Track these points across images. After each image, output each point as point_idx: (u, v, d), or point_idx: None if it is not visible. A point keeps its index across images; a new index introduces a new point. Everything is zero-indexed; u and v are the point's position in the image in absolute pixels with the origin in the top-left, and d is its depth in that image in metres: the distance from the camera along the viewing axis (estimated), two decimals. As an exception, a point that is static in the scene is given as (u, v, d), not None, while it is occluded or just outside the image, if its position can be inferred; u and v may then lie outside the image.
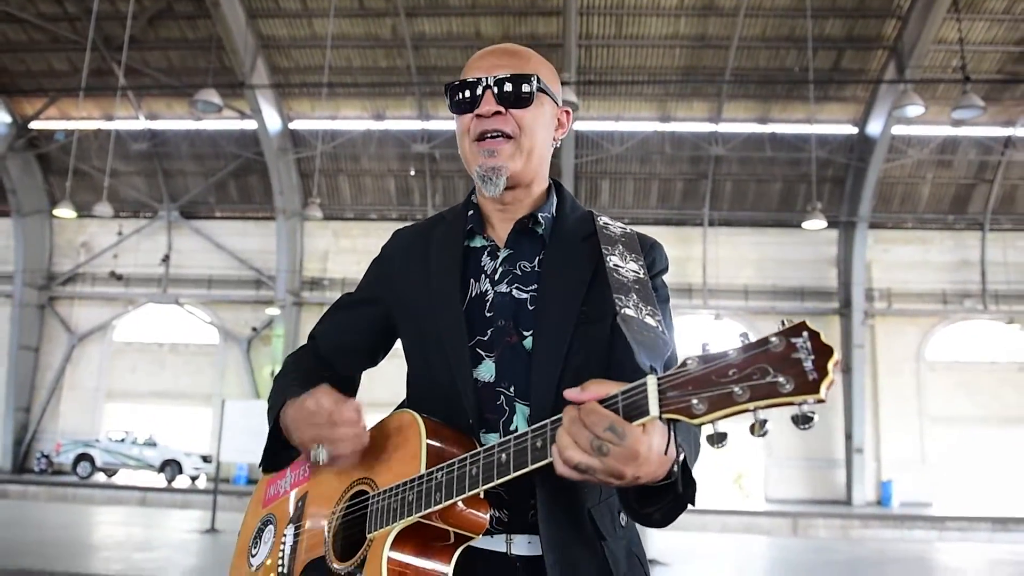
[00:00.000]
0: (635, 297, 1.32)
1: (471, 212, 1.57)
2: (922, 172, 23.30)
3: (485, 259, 1.53)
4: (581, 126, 21.95)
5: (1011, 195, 23.62)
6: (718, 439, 0.97)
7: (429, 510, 1.25)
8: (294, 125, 23.43)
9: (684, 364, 1.00)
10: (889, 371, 23.12)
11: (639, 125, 22.93)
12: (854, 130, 22.51)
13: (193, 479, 22.01)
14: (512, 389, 1.42)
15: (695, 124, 22.89)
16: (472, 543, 1.33)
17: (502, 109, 1.47)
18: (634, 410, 1.03)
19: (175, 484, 21.44)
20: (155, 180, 24.71)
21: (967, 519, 18.08)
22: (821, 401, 0.89)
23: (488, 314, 1.47)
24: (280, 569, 1.48)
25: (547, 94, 1.53)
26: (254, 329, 24.21)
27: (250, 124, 22.50)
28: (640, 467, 1.06)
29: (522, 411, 1.41)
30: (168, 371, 24.74)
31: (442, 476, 1.25)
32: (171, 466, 21.83)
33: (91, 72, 19.54)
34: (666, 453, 1.09)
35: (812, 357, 0.90)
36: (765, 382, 0.92)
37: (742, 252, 23.62)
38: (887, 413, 22.86)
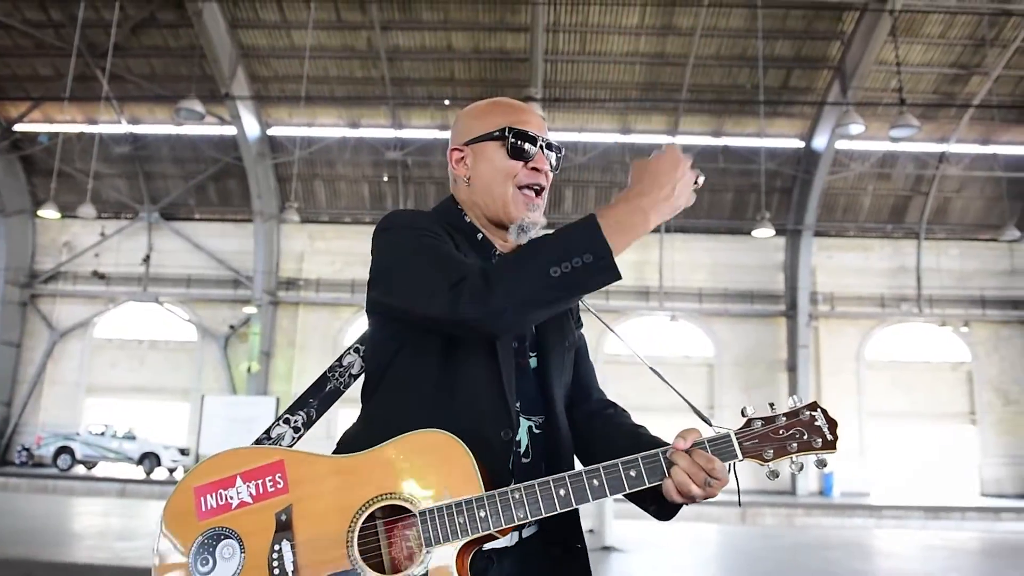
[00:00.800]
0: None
1: (480, 236, 1.56)
2: (863, 184, 23.73)
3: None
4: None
5: (944, 207, 24.15)
6: (773, 475, 1.37)
7: (510, 525, 1.30)
8: (272, 131, 23.22)
9: (750, 423, 1.36)
10: (831, 369, 23.50)
11: (601, 136, 23.09)
12: (801, 144, 22.85)
13: (171, 471, 21.68)
14: (519, 405, 1.44)
15: (653, 136, 23.09)
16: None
17: (549, 168, 1.62)
18: (723, 455, 1.34)
19: (153, 476, 21.13)
20: (136, 182, 24.35)
21: (902, 508, 18.43)
22: (835, 452, 1.36)
23: None
24: None
25: None
26: (231, 327, 23.93)
27: (229, 130, 22.28)
28: (723, 478, 1.35)
29: (525, 425, 1.44)
30: (147, 367, 24.38)
31: (520, 496, 1.29)
32: (149, 459, 21.48)
33: (75, 77, 19.19)
34: None
35: (828, 426, 1.37)
36: (805, 440, 1.36)
37: (696, 257, 23.86)
38: (829, 408, 22.70)
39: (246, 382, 22.40)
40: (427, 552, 1.30)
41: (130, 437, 21.90)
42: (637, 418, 1.62)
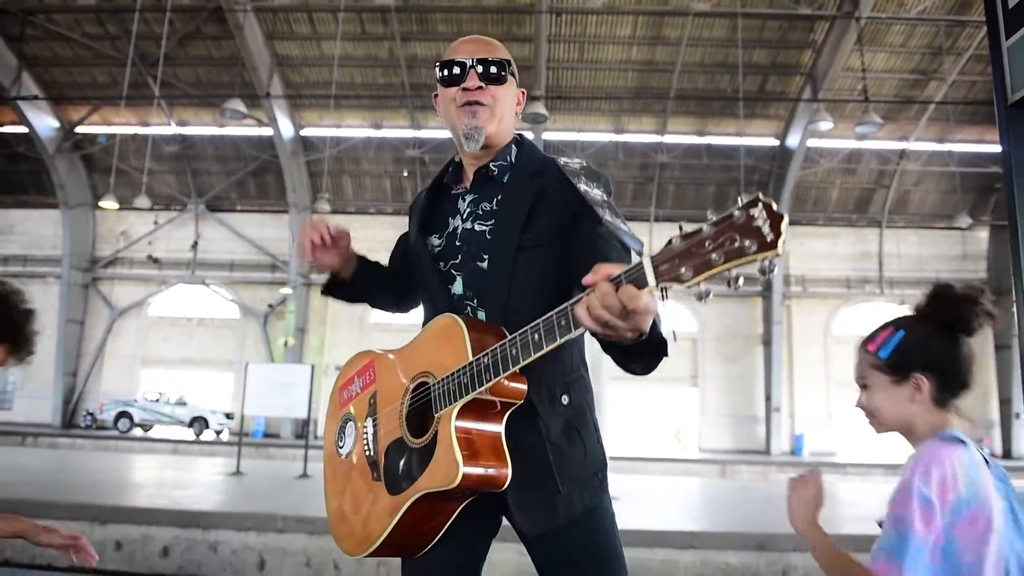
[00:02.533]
0: (607, 210, 1.37)
1: (451, 168, 1.73)
2: (832, 179, 23.68)
3: (460, 202, 1.67)
4: (548, 136, 22.01)
5: (904, 198, 24.09)
6: (704, 295, 1.09)
7: (482, 388, 1.34)
8: (304, 132, 23.25)
9: (669, 243, 1.10)
10: (802, 343, 23.57)
11: (597, 136, 23.06)
12: (776, 142, 22.80)
13: (217, 433, 21.94)
14: (475, 301, 1.58)
15: (644, 136, 23.06)
16: None
17: (483, 84, 1.60)
18: (637, 282, 1.12)
19: (202, 437, 21.38)
20: (185, 178, 24.44)
21: (865, 465, 18.56)
22: (778, 256, 0.99)
23: (458, 244, 1.62)
24: (367, 452, 1.58)
25: (514, 77, 1.69)
26: (270, 306, 24.09)
27: (267, 131, 22.31)
28: (649, 308, 1.15)
29: (481, 317, 1.55)
30: (196, 341, 24.58)
31: (488, 359, 1.33)
32: (199, 422, 21.74)
33: (129, 84, 19.26)
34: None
35: (769, 222, 0.99)
36: (735, 247, 1.02)
37: (682, 244, 23.86)
38: (800, 378, 23.31)
39: (283, 355, 22.58)
40: (437, 417, 1.42)
41: (181, 403, 22.15)
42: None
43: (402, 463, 1.47)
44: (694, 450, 22.75)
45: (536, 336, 1.26)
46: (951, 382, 1.40)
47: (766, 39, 20.07)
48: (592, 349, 1.56)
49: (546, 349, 1.25)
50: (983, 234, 24.00)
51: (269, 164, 23.43)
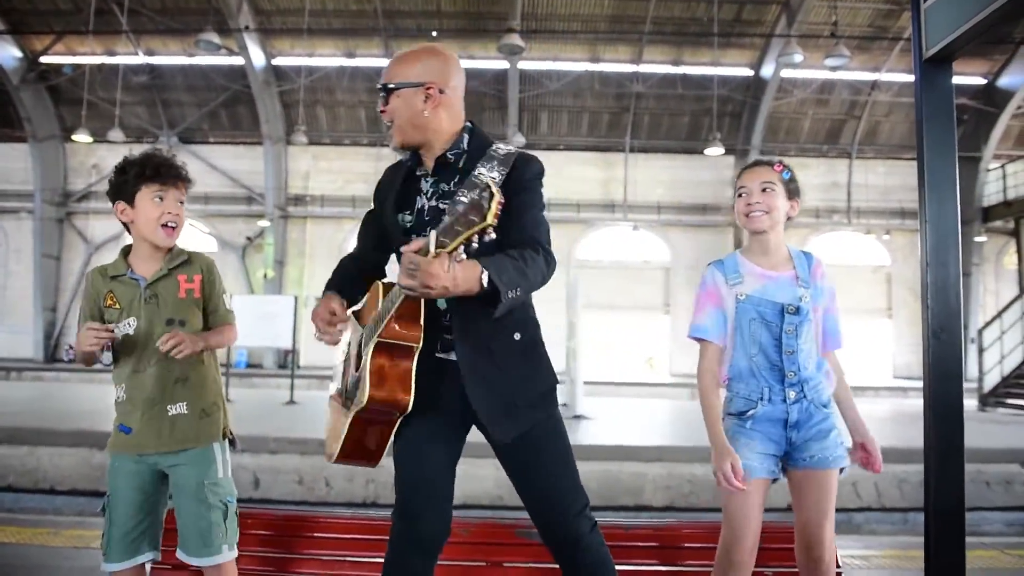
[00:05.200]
0: (472, 193, 1.60)
1: (412, 156, 2.02)
2: (804, 109, 23.83)
3: (423, 183, 1.99)
4: (524, 65, 21.79)
5: (874, 129, 24.37)
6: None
7: (378, 333, 1.79)
8: (276, 61, 22.77)
9: (443, 220, 1.51)
10: (771, 272, 24.07)
11: (573, 65, 22.86)
12: (750, 73, 22.80)
13: (201, 364, 22.18)
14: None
15: (620, 65, 22.91)
16: (438, 355, 1.90)
17: (384, 108, 1.96)
18: (425, 251, 1.53)
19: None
20: (155, 109, 23.94)
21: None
22: (490, 224, 1.45)
23: (427, 219, 1.93)
24: (342, 389, 2.10)
25: (403, 88, 1.94)
26: (248, 239, 24.07)
27: (238, 60, 21.82)
28: (441, 281, 1.56)
29: None
30: (174, 275, 24.53)
31: (377, 314, 1.85)
32: (181, 353, 21.95)
33: (95, 12, 18.66)
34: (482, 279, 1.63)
35: (491, 201, 1.45)
36: (472, 220, 1.45)
37: (656, 174, 24.07)
38: None
39: (262, 287, 22.72)
40: (364, 355, 1.84)
41: (163, 335, 22.28)
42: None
43: (350, 391, 1.96)
44: (665, 375, 23.54)
45: (392, 296, 1.80)
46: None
47: (742, -34, 19.85)
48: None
49: (392, 310, 1.76)
50: (948, 164, 24.38)
51: (241, 95, 23.00)
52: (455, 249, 1.48)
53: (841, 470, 2.11)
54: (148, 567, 2.11)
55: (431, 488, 1.86)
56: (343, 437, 1.84)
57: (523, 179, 1.87)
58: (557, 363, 2.08)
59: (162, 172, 2.18)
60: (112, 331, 2.05)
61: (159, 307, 2.12)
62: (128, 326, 2.11)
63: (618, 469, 7.94)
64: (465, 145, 1.96)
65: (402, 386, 1.76)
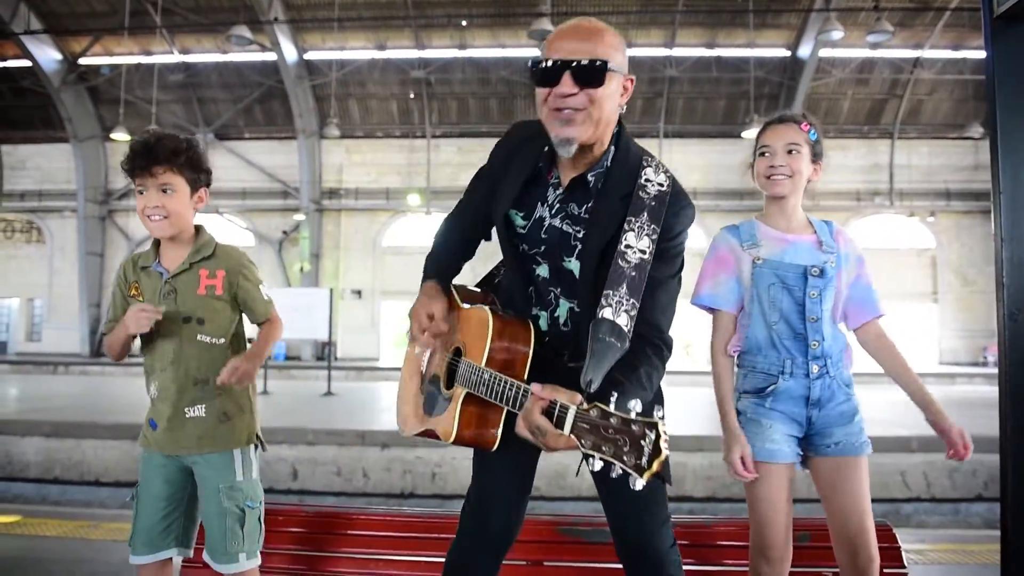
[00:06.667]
0: (624, 288, 1.50)
1: (547, 149, 1.66)
2: (843, 89, 23.20)
3: (551, 192, 1.68)
4: (555, 53, 21.53)
5: (917, 108, 23.64)
6: (585, 460, 1.23)
7: (475, 391, 1.61)
8: (308, 56, 22.88)
9: (590, 410, 1.23)
10: (810, 257, 23.57)
11: (605, 51, 22.55)
12: (787, 53, 22.26)
13: (240, 356, 22.50)
14: (559, 290, 1.71)
15: (652, 49, 22.54)
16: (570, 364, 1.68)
17: (576, 90, 1.51)
18: (558, 421, 1.29)
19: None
20: (191, 107, 24.27)
21: (872, 374, 18.66)
22: (640, 480, 1.14)
23: (544, 236, 1.68)
24: (422, 368, 1.93)
25: (616, 73, 1.55)
26: (284, 232, 24.32)
27: (270, 56, 21.97)
28: (559, 448, 1.30)
29: (565, 306, 1.71)
30: (213, 270, 24.91)
31: (489, 377, 1.56)
32: (221, 347, 22.29)
33: (129, 12, 18.94)
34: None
35: (650, 452, 1.14)
36: (619, 448, 1.17)
37: (691, 159, 23.68)
38: None
39: (299, 280, 22.94)
40: (456, 386, 1.69)
41: (203, 329, 22.65)
42: None
43: (430, 394, 1.82)
44: (703, 362, 23.16)
45: (502, 389, 1.51)
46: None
47: (778, -56, 19.33)
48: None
49: (511, 409, 1.49)
50: (996, 142, 23.58)
51: (275, 90, 23.18)
52: (585, 452, 1.24)
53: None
54: (178, 562, 2.04)
55: (499, 491, 1.76)
56: (417, 431, 1.83)
57: (670, 235, 1.60)
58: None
59: (135, 164, 1.94)
60: (161, 311, 1.91)
61: (177, 303, 1.98)
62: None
63: (658, 459, 7.79)
64: (609, 162, 1.64)
65: (490, 426, 1.65)
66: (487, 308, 1.67)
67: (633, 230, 1.55)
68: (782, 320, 1.96)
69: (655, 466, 1.14)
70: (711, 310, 2.07)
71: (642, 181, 1.60)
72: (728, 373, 2.02)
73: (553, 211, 1.67)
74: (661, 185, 1.60)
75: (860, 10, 19.36)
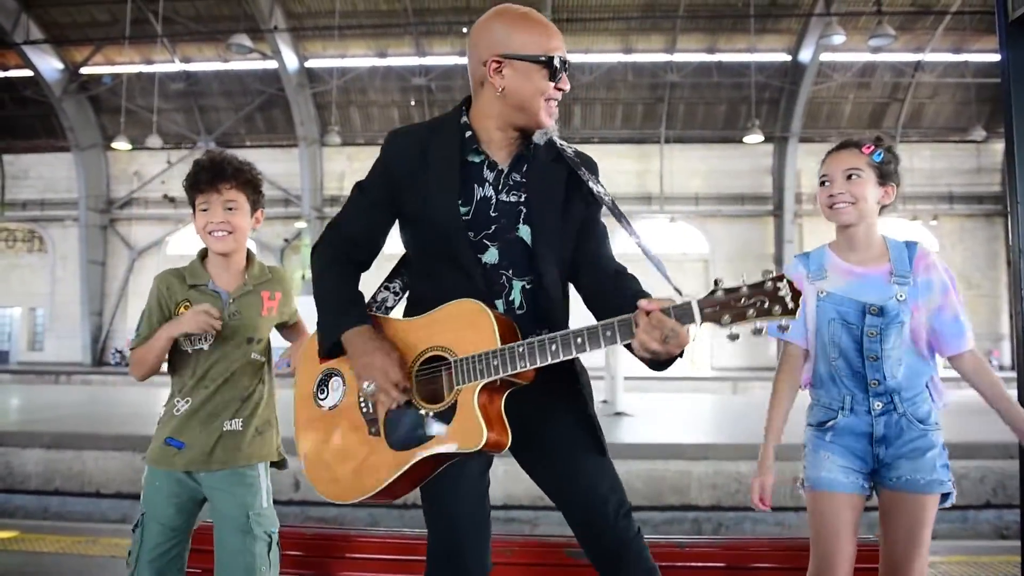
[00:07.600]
0: (624, 220, 1.60)
1: (468, 133, 1.67)
2: (845, 93, 23.18)
3: (485, 171, 1.65)
4: (556, 59, 21.54)
5: (919, 112, 23.61)
6: (733, 337, 1.35)
7: (512, 372, 1.47)
8: (309, 63, 22.91)
9: (713, 292, 1.35)
10: (813, 261, 23.50)
11: (605, 56, 22.56)
12: (788, 58, 22.24)
13: (242, 365, 22.49)
14: (511, 271, 1.63)
15: (653, 55, 22.55)
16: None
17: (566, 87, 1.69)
18: (684, 318, 1.36)
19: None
20: (192, 115, 24.30)
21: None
22: (795, 319, 1.29)
23: (493, 214, 1.63)
24: (363, 408, 1.63)
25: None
26: (285, 240, 24.32)
27: (271, 64, 22.00)
28: (687, 341, 1.38)
29: (517, 286, 1.63)
30: (215, 278, 24.92)
31: (523, 349, 1.46)
32: (224, 355, 22.28)
33: (130, 21, 18.97)
34: None
35: (791, 295, 1.28)
36: (764, 307, 1.30)
37: (693, 164, 23.66)
38: None
39: (301, 288, 22.90)
40: (457, 389, 1.52)
41: (206, 338, 22.64)
42: None
43: (408, 423, 1.57)
44: (706, 369, 23.12)
45: (579, 340, 1.44)
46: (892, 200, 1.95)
47: (778, -51, 19.34)
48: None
49: (586, 352, 1.46)
50: (998, 146, 23.54)
51: (275, 98, 23.20)
52: (728, 327, 1.35)
53: (944, 498, 1.84)
54: None
55: (471, 521, 1.64)
56: (391, 479, 1.57)
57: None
58: (597, 359, 1.89)
59: (200, 179, 1.98)
60: (220, 321, 1.91)
61: (240, 324, 1.99)
62: (204, 340, 1.98)
63: (663, 467, 7.71)
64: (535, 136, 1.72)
65: (501, 424, 1.53)
66: (468, 301, 1.56)
67: (591, 180, 1.67)
68: (841, 357, 1.89)
69: (800, 303, 1.29)
70: (783, 340, 2.02)
71: (559, 146, 1.71)
72: (780, 403, 1.97)
73: (500, 186, 1.66)
74: (573, 148, 1.74)
75: (861, 14, 19.35)
